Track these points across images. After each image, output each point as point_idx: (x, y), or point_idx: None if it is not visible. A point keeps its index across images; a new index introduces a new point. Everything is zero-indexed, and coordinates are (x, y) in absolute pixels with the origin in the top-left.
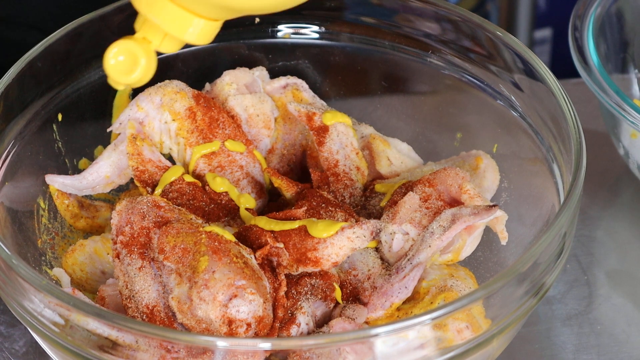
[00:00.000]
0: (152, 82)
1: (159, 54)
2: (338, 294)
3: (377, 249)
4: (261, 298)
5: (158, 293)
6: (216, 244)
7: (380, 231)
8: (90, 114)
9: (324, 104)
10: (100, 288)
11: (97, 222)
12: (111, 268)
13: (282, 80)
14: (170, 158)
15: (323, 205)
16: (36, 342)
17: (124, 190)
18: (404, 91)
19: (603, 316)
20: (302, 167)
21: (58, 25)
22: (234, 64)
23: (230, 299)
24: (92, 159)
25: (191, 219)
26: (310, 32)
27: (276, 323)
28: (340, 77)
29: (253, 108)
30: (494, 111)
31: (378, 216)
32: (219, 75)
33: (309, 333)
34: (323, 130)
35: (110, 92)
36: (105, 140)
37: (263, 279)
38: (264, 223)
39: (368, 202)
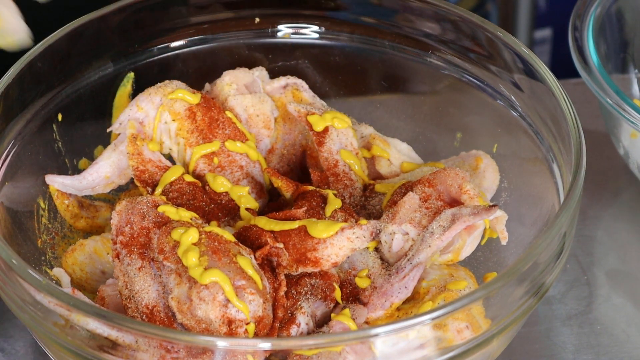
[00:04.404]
0: (152, 83)
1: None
2: (338, 294)
3: (377, 249)
4: (261, 298)
5: (158, 293)
6: (216, 244)
7: (380, 231)
8: (90, 114)
9: (324, 104)
10: (100, 288)
11: (97, 222)
12: (111, 268)
13: (282, 80)
14: (170, 158)
15: (323, 205)
16: (36, 342)
17: (124, 190)
18: (404, 91)
19: (603, 316)
20: (302, 167)
21: None
22: (234, 64)
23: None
24: (92, 159)
25: (191, 219)
26: (310, 32)
27: (276, 323)
28: (340, 77)
29: (253, 108)
30: (494, 111)
31: (378, 216)
32: (219, 75)
33: (309, 333)
34: (323, 130)
35: (110, 92)
36: (105, 140)
37: (263, 279)
38: (264, 223)
39: (368, 202)
